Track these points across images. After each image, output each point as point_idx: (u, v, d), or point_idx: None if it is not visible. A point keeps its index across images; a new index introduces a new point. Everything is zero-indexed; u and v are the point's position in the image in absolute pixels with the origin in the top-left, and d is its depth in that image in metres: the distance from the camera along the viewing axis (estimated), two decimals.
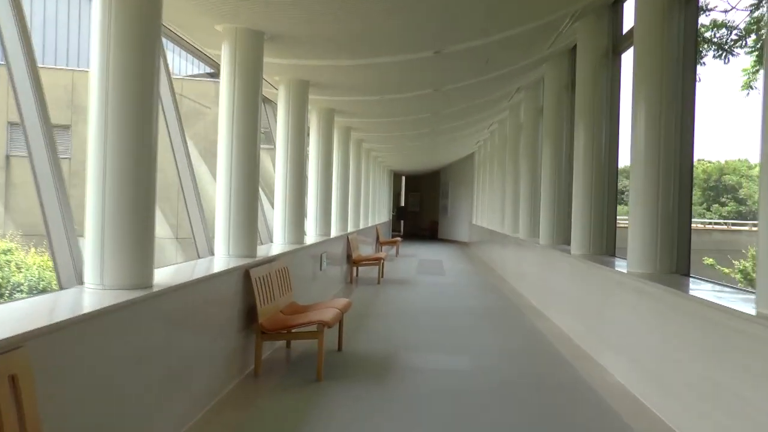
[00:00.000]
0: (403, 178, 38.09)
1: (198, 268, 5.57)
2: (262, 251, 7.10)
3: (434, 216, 35.05)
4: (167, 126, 6.45)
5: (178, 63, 25.51)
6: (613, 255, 8.29)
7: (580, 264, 8.02)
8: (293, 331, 5.92)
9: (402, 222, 36.98)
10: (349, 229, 14.89)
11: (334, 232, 12.75)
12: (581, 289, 7.91)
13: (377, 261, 13.34)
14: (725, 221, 41.60)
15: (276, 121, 9.13)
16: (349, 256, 13.23)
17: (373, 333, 8.08)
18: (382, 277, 14.06)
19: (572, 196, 8.76)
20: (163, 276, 4.54)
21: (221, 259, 6.21)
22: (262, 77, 6.86)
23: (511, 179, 15.37)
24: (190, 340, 4.67)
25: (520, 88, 12.82)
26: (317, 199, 11.16)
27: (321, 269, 9.92)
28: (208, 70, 9.11)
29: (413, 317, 9.37)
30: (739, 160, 54.48)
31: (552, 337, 8.03)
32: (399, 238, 22.40)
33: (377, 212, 24.05)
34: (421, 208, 37.30)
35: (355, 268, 13.89)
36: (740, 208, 52.82)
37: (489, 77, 10.54)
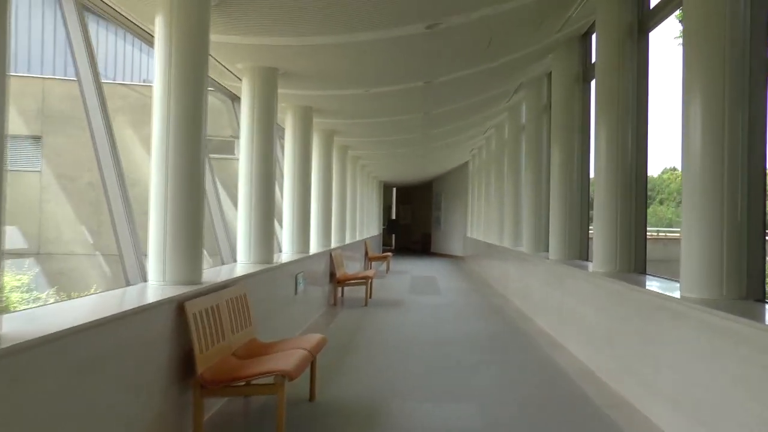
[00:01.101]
0: (394, 189, 36.69)
1: (113, 302, 4.11)
2: (211, 275, 5.62)
3: (427, 229, 33.61)
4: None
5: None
6: (643, 272, 6.90)
7: (607, 284, 6.59)
8: (245, 384, 4.44)
9: (393, 235, 35.53)
10: (333, 244, 13.43)
11: (314, 248, 11.31)
12: (610, 315, 6.47)
13: (364, 280, 11.87)
14: None
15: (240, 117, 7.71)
16: (332, 275, 11.77)
17: (355, 373, 6.61)
18: (371, 297, 12.58)
19: (588, 204, 7.38)
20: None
21: (154, 287, 4.75)
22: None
23: (511, 187, 13.99)
24: (98, 400, 3.20)
25: (522, 85, 11.44)
26: (293, 210, 9.73)
27: (296, 292, 8.46)
28: None
29: (405, 349, 7.90)
30: None
31: (576, 376, 6.58)
32: (389, 254, 20.93)
33: (366, 226, 22.60)
34: (413, 221, 35.85)
35: (340, 288, 12.43)
36: None
37: (486, 67, 9.13)
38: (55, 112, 20.62)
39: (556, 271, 8.88)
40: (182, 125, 4.89)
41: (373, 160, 19.26)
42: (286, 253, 9.62)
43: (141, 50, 20.46)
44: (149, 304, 4.04)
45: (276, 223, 9.87)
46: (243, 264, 7.22)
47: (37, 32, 20.12)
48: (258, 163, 7.39)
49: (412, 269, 21.06)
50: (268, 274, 7.02)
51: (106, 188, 5.29)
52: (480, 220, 20.53)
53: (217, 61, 7.17)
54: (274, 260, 7.74)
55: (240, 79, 7.79)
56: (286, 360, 4.57)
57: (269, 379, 4.43)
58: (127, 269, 5.09)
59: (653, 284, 5.90)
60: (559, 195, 9.27)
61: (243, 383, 4.41)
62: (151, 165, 4.94)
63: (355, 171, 17.55)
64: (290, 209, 9.74)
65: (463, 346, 8.12)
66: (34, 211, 18.25)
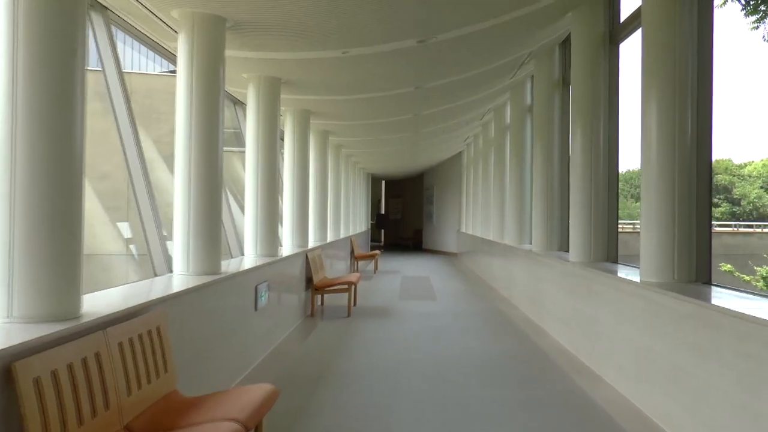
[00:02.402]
0: (383, 182, 34.91)
1: None
2: (101, 301, 3.82)
3: (418, 224, 31.84)
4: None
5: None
6: (708, 282, 5.22)
7: (669, 302, 4.86)
8: None
9: (383, 231, 33.79)
10: (312, 243, 11.67)
11: (288, 249, 9.55)
12: (674, 343, 4.75)
13: (347, 286, 10.11)
14: (734, 223, 38.86)
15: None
16: (309, 281, 10.00)
17: (325, 425, 4.86)
18: (355, 305, 10.84)
19: (619, 197, 5.70)
20: None
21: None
22: None
23: (515, 177, 12.26)
24: None
25: (531, 54, 9.70)
26: (257, 206, 7.95)
27: (257, 307, 6.69)
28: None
29: (395, 381, 6.15)
30: (720, 159, 52.33)
31: (627, 422, 4.86)
32: (378, 251, 19.17)
33: (353, 221, 20.83)
34: (404, 216, 34.11)
35: (319, 296, 10.68)
36: (734, 209, 50.41)
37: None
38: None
39: (582, 276, 7.16)
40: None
41: (358, 148, 17.49)
42: (248, 257, 7.85)
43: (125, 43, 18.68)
44: None
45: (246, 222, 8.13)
46: (178, 276, 5.45)
47: None
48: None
49: (403, 268, 19.31)
50: (211, 288, 5.24)
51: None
52: (477, 215, 18.81)
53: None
54: (222, 269, 5.98)
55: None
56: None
57: None
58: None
59: (735, 305, 4.20)
60: (580, 187, 7.56)
61: None
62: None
63: (339, 160, 15.73)
64: (253, 204, 7.97)
65: (467, 375, 6.37)
66: None
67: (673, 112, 5.26)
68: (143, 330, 3.62)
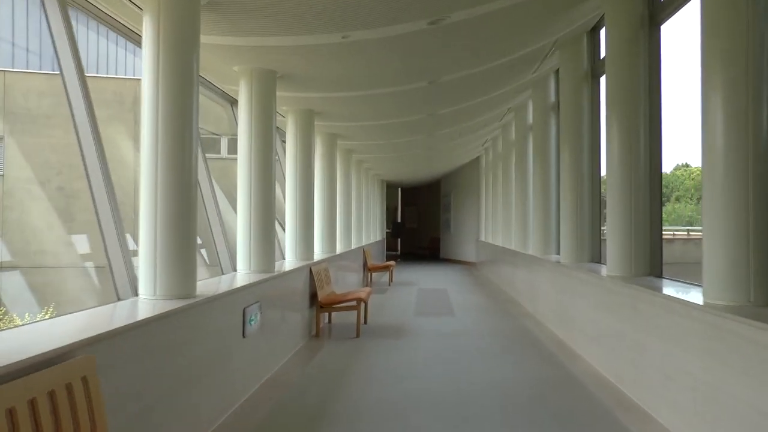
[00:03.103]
0: (399, 189, 33.96)
1: None
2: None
3: (435, 232, 30.80)
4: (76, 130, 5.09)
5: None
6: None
7: (753, 333, 3.85)
8: None
9: (399, 240, 32.82)
10: (319, 255, 10.74)
11: (291, 263, 8.67)
12: (750, 382, 3.73)
13: (355, 302, 9.15)
14: None
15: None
16: (314, 297, 9.06)
17: None
18: (365, 322, 9.89)
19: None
20: None
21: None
22: None
23: (539, 181, 11.25)
24: None
25: (556, 43, 8.73)
26: (250, 215, 7.05)
27: (245, 333, 5.75)
28: None
29: (404, 422, 5.17)
30: None
31: None
32: (393, 263, 18.19)
33: (367, 230, 19.90)
34: (420, 224, 33.11)
35: (326, 314, 9.75)
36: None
37: (497, 64, 8.51)
38: (20, 108, 18.07)
39: (624, 294, 6.14)
40: (171, 126, 4.63)
41: (370, 152, 16.56)
42: (240, 273, 6.94)
43: (117, 44, 18.00)
44: None
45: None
46: (144, 301, 4.52)
47: None
48: (257, 169, 6.69)
49: (419, 279, 18.32)
50: (177, 317, 4.30)
51: (93, 193, 4.81)
52: (497, 223, 17.79)
53: (214, 65, 7.19)
54: (204, 290, 5.06)
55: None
56: None
57: None
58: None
59: None
60: (619, 188, 6.56)
61: None
62: (141, 170, 4.66)
63: (348, 166, 14.80)
64: (245, 215, 7.06)
65: (491, 412, 5.37)
66: None
67: (746, 102, 4.28)
68: (58, 384, 2.69)
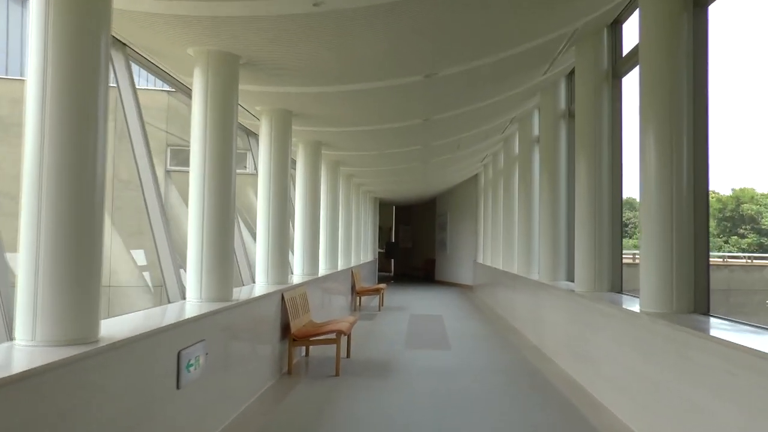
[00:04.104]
0: (394, 208, 32.71)
1: None
2: None
3: (430, 253, 29.46)
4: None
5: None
6: None
7: None
8: None
9: (392, 261, 31.51)
10: (299, 278, 9.46)
11: (261, 288, 7.42)
12: None
13: (334, 335, 7.82)
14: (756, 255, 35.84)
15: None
16: (286, 328, 7.76)
17: None
18: (348, 356, 8.58)
19: None
20: None
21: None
22: None
23: (547, 199, 10.02)
24: None
25: (573, 35, 7.53)
26: (203, 228, 5.77)
27: (182, 383, 4.43)
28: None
29: None
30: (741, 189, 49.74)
31: None
32: (384, 285, 16.88)
33: (357, 250, 18.62)
34: (415, 244, 31.81)
35: (303, 347, 8.43)
36: (762, 240, 47.41)
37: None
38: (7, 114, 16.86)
39: (662, 335, 4.87)
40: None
41: (363, 167, 15.33)
42: (189, 302, 5.65)
43: None
44: None
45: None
46: (18, 348, 3.24)
47: None
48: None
49: (412, 304, 16.99)
50: (56, 374, 3.00)
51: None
52: (497, 244, 16.54)
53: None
54: (120, 328, 3.78)
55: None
56: None
57: None
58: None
59: None
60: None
61: None
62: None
63: (335, 181, 13.52)
64: (198, 227, 5.78)
65: None
66: None
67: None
68: None
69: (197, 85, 5.81)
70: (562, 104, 10.00)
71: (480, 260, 20.62)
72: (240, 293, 6.72)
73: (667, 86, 5.34)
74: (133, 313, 4.92)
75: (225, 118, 5.84)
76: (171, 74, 6.88)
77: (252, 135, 10.31)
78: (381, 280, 24.97)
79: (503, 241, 15.05)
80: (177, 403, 4.42)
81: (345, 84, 7.38)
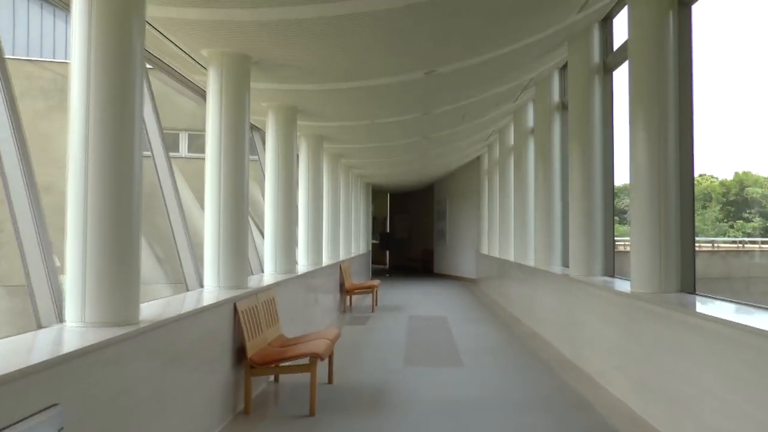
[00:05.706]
0: (388, 195, 30.65)
1: None
2: None
3: (428, 244, 27.35)
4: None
5: None
6: None
7: None
8: None
9: (387, 252, 29.49)
10: (269, 279, 7.43)
11: (210, 296, 5.40)
12: None
13: (307, 360, 5.71)
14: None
15: None
16: (241, 352, 5.67)
17: None
18: (330, 382, 6.55)
19: None
20: None
21: None
22: None
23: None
24: None
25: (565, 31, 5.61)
26: (219, 219, 3.70)
27: None
28: None
29: None
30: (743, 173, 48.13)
31: None
32: (377, 282, 14.78)
33: (347, 241, 16.59)
34: (411, 234, 29.72)
35: (267, 377, 6.36)
36: None
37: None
38: None
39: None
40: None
41: (352, 143, 13.24)
42: (68, 325, 3.60)
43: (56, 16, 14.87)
44: None
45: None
46: None
47: None
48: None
49: (411, 302, 14.91)
50: None
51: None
52: (505, 232, 14.50)
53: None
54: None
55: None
56: None
57: None
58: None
59: None
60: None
61: None
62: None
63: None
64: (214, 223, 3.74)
65: None
66: None
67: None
68: None
69: (212, 84, 6.09)
70: (556, 96, 10.00)
71: (484, 251, 18.58)
72: (168, 305, 4.68)
73: (655, 79, 5.65)
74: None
75: (238, 114, 6.14)
76: (181, 73, 7.24)
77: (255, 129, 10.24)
78: (375, 273, 22.92)
79: (516, 227, 13.01)
80: None
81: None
